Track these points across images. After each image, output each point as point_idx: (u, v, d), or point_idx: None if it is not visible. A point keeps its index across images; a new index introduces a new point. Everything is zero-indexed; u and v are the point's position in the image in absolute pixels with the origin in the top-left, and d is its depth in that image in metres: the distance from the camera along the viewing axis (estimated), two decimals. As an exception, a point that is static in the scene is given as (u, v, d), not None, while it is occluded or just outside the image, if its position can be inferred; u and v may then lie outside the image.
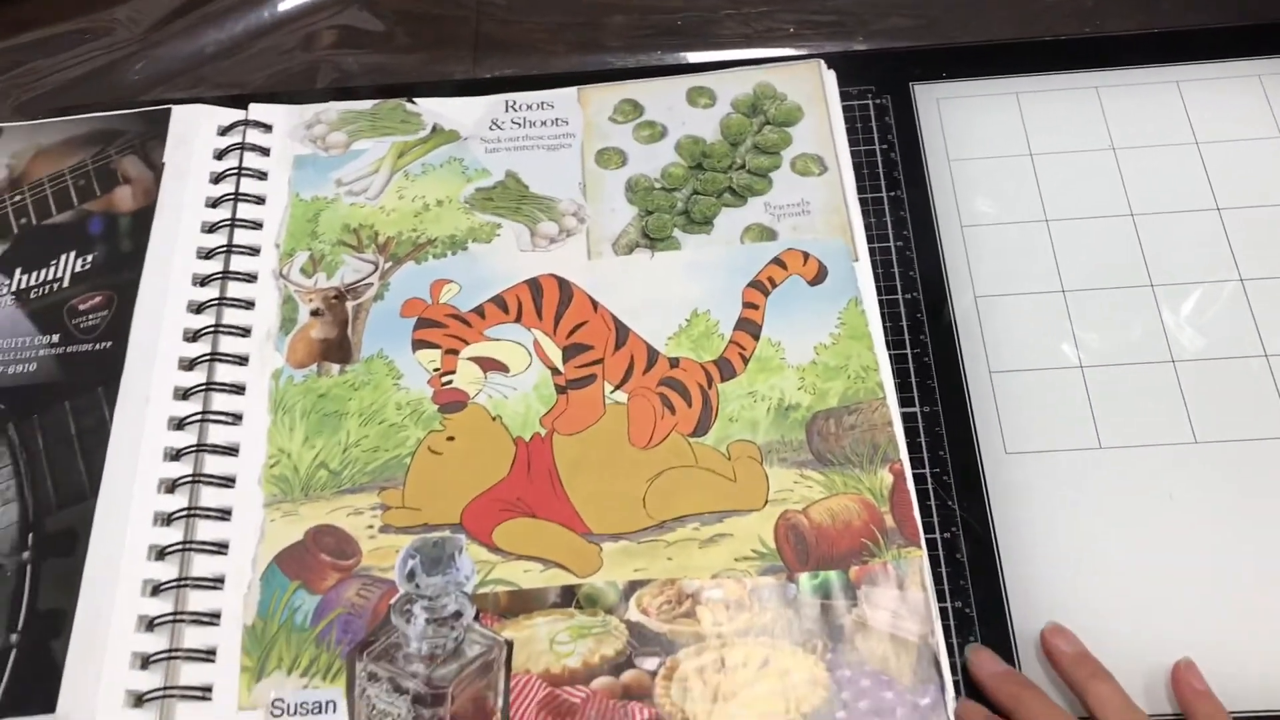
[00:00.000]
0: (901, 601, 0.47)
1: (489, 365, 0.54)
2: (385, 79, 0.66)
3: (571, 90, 0.62)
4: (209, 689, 0.46)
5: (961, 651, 0.48)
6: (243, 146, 0.60)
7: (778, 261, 0.56)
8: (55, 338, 0.55)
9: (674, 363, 0.53)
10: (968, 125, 0.62)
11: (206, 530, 0.50)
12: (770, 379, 0.53)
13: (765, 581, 0.48)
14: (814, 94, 0.61)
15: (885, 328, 0.54)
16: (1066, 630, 0.48)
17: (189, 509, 0.50)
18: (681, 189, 0.59)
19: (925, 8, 0.66)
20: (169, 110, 0.61)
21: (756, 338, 0.54)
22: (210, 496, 0.50)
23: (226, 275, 0.56)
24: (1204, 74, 0.62)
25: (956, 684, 0.46)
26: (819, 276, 0.55)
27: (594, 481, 0.51)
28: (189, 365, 0.54)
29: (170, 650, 0.47)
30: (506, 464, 0.51)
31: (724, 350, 0.54)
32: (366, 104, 0.62)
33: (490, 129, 0.61)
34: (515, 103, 0.62)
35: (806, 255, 0.56)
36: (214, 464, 0.51)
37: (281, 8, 0.69)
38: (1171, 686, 0.47)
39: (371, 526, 0.50)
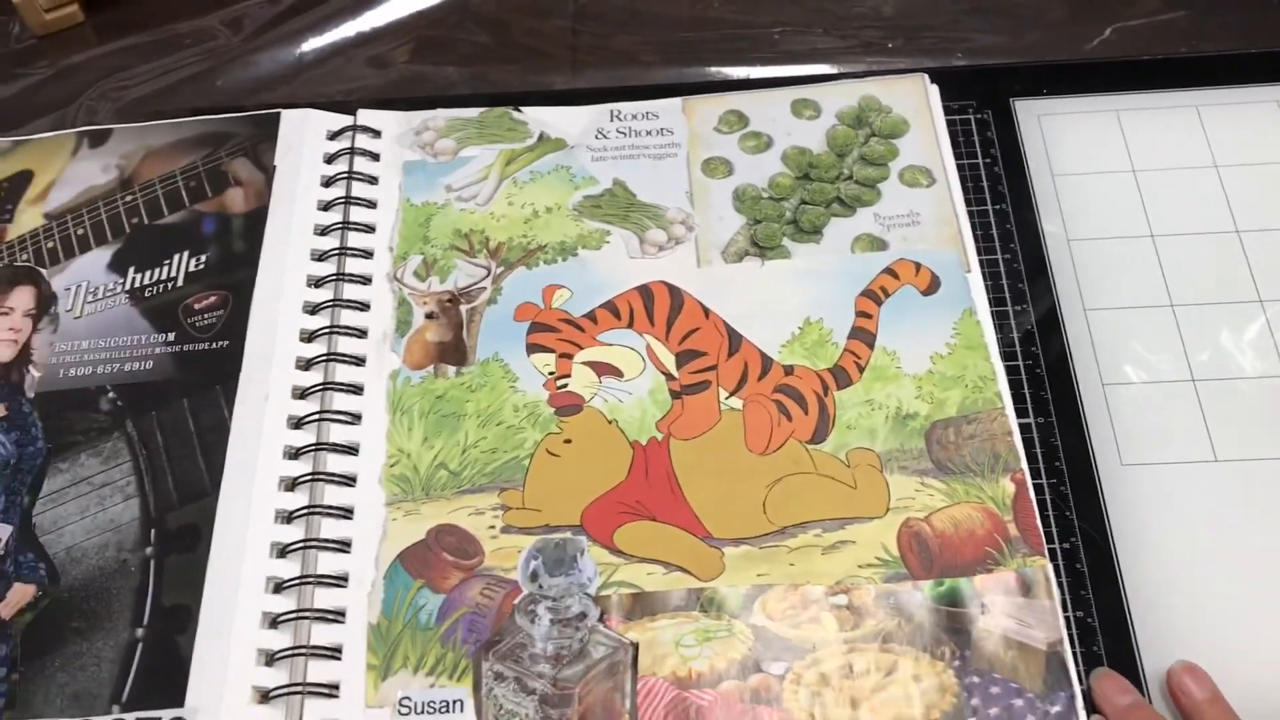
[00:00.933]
0: (1028, 610, 0.47)
1: (603, 370, 0.54)
2: (484, 89, 0.66)
3: (676, 101, 0.63)
4: (336, 686, 0.46)
5: (1086, 662, 0.47)
6: (352, 151, 0.60)
7: (890, 271, 0.56)
8: (171, 336, 0.55)
9: (789, 370, 0.54)
10: (1069, 141, 0.62)
11: (329, 528, 0.50)
12: (887, 387, 0.53)
13: (890, 588, 0.48)
14: (919, 107, 0.61)
15: (997, 339, 0.55)
16: (1198, 670, 0.47)
17: (310, 507, 0.50)
18: (789, 199, 0.59)
19: (1022, 26, 0.67)
20: (278, 114, 0.62)
21: (871, 346, 0.54)
22: (332, 495, 0.51)
23: (341, 277, 0.56)
24: (1304, 93, 0.63)
25: (1084, 694, 0.46)
26: (932, 287, 0.55)
27: (713, 486, 0.51)
28: (306, 365, 0.54)
29: (295, 647, 0.47)
30: (624, 467, 0.51)
31: (839, 358, 0.54)
32: (473, 111, 0.63)
33: (596, 138, 0.62)
34: (620, 113, 0.63)
35: (919, 266, 0.56)
36: (335, 463, 0.51)
37: (381, 17, 0.70)
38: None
39: (493, 527, 0.50)
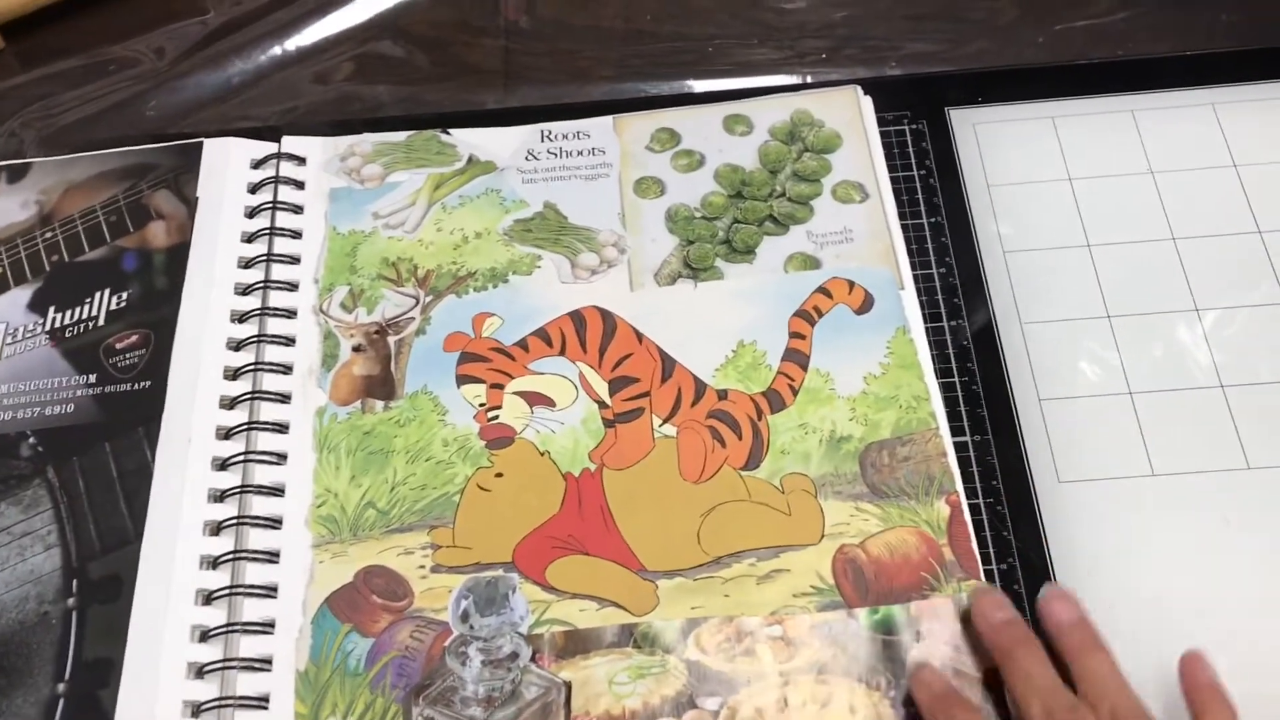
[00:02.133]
0: (964, 636, 0.47)
1: (535, 399, 0.53)
2: (416, 109, 0.65)
3: (607, 119, 0.62)
4: (263, 737, 0.46)
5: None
6: (277, 180, 0.59)
7: (823, 290, 0.55)
8: (92, 377, 0.54)
9: (722, 394, 0.53)
10: (1005, 150, 0.61)
11: (255, 574, 0.49)
12: (821, 410, 0.52)
13: (825, 618, 0.47)
14: (852, 120, 0.61)
15: (932, 356, 0.54)
16: (1067, 594, 0.46)
17: (235, 552, 0.49)
18: (722, 218, 0.58)
19: (957, 32, 0.66)
20: (201, 143, 0.61)
21: (805, 368, 0.53)
22: (257, 539, 0.50)
23: (265, 312, 0.55)
24: (1239, 96, 0.62)
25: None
26: (865, 305, 0.55)
27: (647, 517, 0.50)
28: (230, 404, 0.53)
29: (221, 699, 0.46)
30: (557, 500, 0.51)
31: (773, 381, 0.53)
32: (400, 135, 0.62)
33: (526, 159, 0.61)
34: (551, 132, 0.62)
35: (852, 284, 0.55)
36: (260, 505, 0.50)
37: (308, 39, 0.69)
38: (1180, 680, 0.45)
39: (423, 566, 0.49)
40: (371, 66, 0.68)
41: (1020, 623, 0.46)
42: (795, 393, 0.53)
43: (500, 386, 0.54)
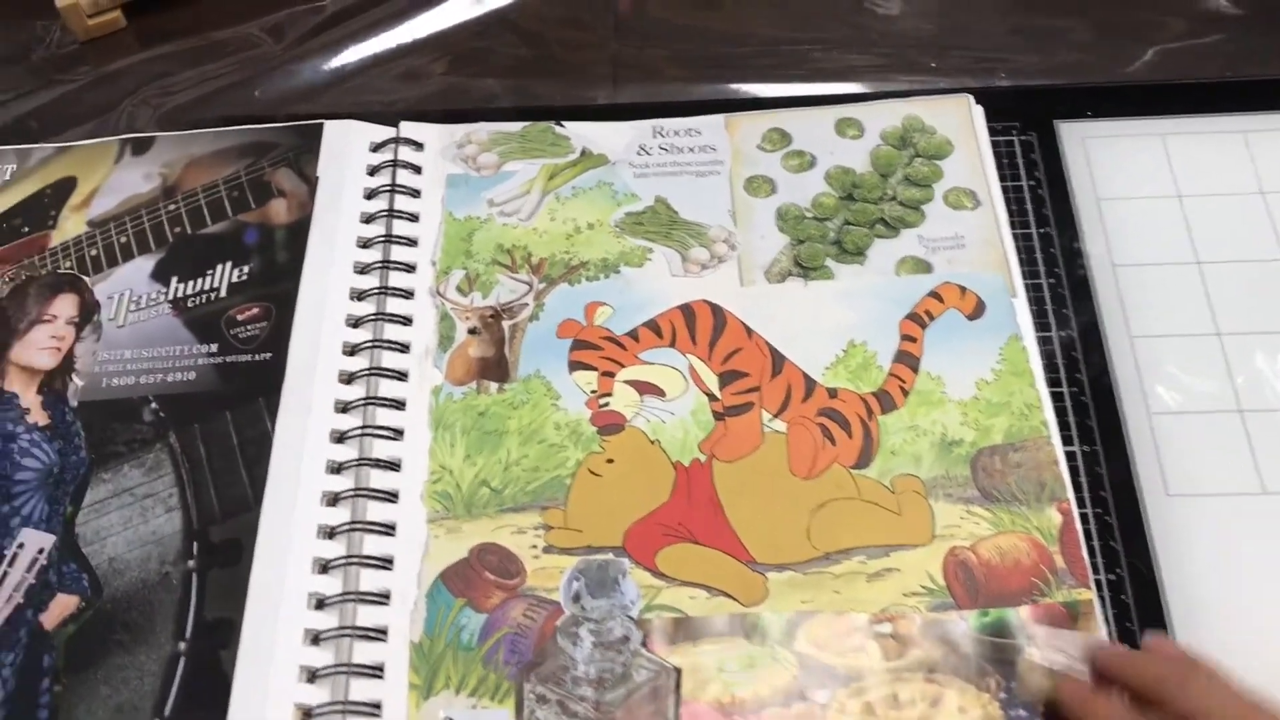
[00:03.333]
0: (1074, 643, 0.47)
1: (645, 389, 0.54)
2: (526, 102, 0.66)
3: (718, 118, 0.63)
4: (378, 705, 0.46)
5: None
6: (395, 163, 0.60)
7: (934, 295, 0.56)
8: (214, 347, 0.55)
9: (832, 393, 0.53)
10: (1114, 165, 0.62)
11: (371, 545, 0.50)
12: (932, 413, 0.52)
13: (935, 617, 0.47)
14: (963, 128, 0.61)
15: (1041, 365, 0.54)
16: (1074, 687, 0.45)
17: (352, 523, 0.50)
18: (833, 219, 0.59)
19: (1062, 48, 0.67)
20: (321, 125, 0.62)
21: (916, 371, 0.54)
22: (374, 511, 0.50)
23: (384, 291, 0.56)
24: (1353, 121, 0.62)
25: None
26: (977, 311, 0.55)
27: (756, 510, 0.51)
28: (348, 379, 0.54)
29: (337, 665, 0.47)
30: (667, 488, 0.51)
31: (883, 382, 0.53)
32: (516, 126, 0.63)
33: (638, 154, 0.61)
34: (663, 129, 0.62)
35: (964, 289, 0.56)
36: (377, 478, 0.51)
37: (422, 29, 0.70)
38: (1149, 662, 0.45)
39: (535, 546, 0.50)
40: (481, 60, 0.69)
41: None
42: (906, 394, 0.53)
43: (611, 374, 0.54)
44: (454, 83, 0.68)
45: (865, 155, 0.61)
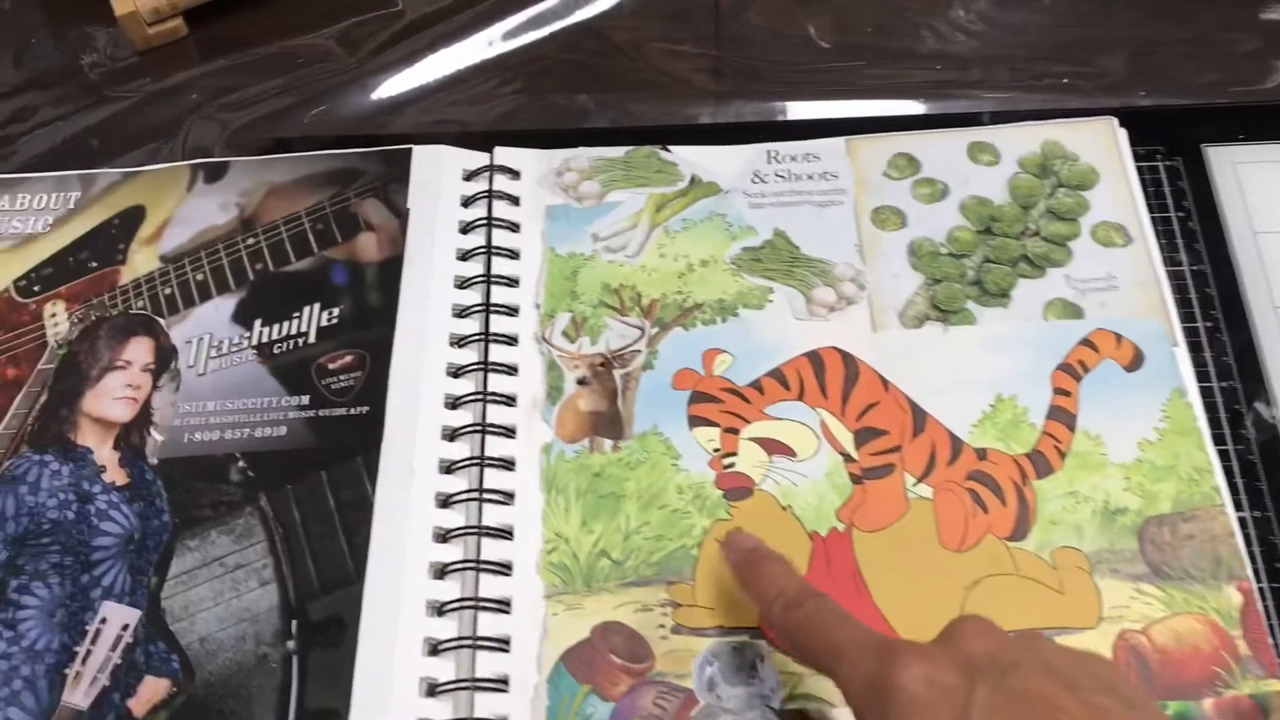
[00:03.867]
0: (1264, 741, 0.43)
1: (774, 448, 0.50)
2: (623, 120, 0.61)
3: (839, 141, 0.58)
4: (501, 807, 0.42)
5: (1323, 797, 0.43)
6: (490, 194, 0.56)
7: (1087, 343, 0.51)
8: (305, 399, 0.51)
9: (981, 454, 0.49)
10: (1271, 194, 0.56)
11: (486, 624, 0.46)
12: (1092, 477, 0.48)
13: (1109, 711, 0.43)
14: (1108, 155, 0.56)
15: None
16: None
17: (463, 599, 0.46)
18: (971, 255, 0.54)
19: (1215, 62, 0.61)
20: (410, 150, 0.57)
21: (1072, 429, 0.49)
22: (487, 585, 0.46)
23: (486, 337, 0.52)
24: None
25: (1328, 837, 0.42)
26: (1135, 361, 0.50)
27: (902, 585, 0.46)
28: (452, 435, 0.50)
29: (455, 760, 0.43)
30: (803, 561, 0.47)
31: (1037, 442, 0.49)
32: (618, 151, 0.58)
33: (753, 181, 0.57)
34: (778, 153, 0.58)
35: (1119, 337, 0.51)
36: (489, 548, 0.47)
37: (507, 39, 0.65)
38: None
39: (662, 625, 0.46)
40: (574, 72, 0.64)
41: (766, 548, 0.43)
42: (1063, 456, 0.49)
43: (735, 431, 0.50)
44: (543, 99, 0.63)
45: (1003, 184, 0.56)
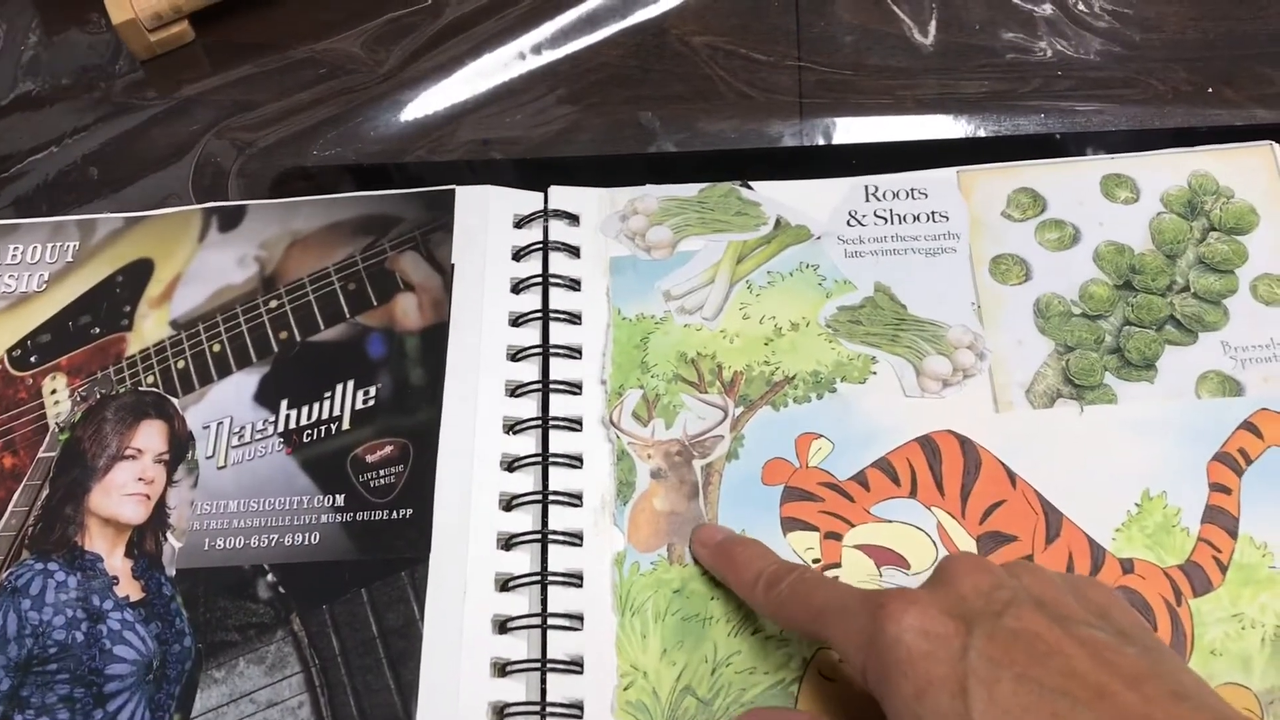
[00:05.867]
0: None
1: (883, 557, 0.43)
2: (693, 142, 0.53)
3: (949, 173, 0.50)
4: None
5: None
6: (546, 245, 0.48)
7: (1249, 426, 0.43)
8: (340, 499, 0.44)
9: (1127, 566, 0.42)
10: None
11: (555, 780, 0.40)
12: (1259, 595, 0.41)
13: None
14: (1269, 189, 0.48)
15: (1392, 521, 0.42)
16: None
17: (528, 748, 0.40)
18: (1108, 316, 0.46)
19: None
20: (453, 192, 0.50)
21: (1234, 535, 0.42)
22: (555, 733, 0.40)
23: (546, 423, 0.45)
24: None
25: None
26: (1311, 453, 0.43)
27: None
28: (507, 544, 0.43)
29: None
30: (921, 698, 0.40)
31: (1192, 551, 0.42)
32: (691, 189, 0.50)
33: (849, 224, 0.49)
34: (877, 189, 0.49)
35: (1290, 421, 0.43)
36: (556, 686, 0.41)
37: (558, 45, 0.57)
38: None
39: (760, 780, 0.39)
40: (635, 84, 0.56)
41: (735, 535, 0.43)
42: (1223, 569, 0.41)
43: (838, 536, 0.43)
44: (600, 114, 0.55)
45: (1143, 227, 0.48)
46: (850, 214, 0.49)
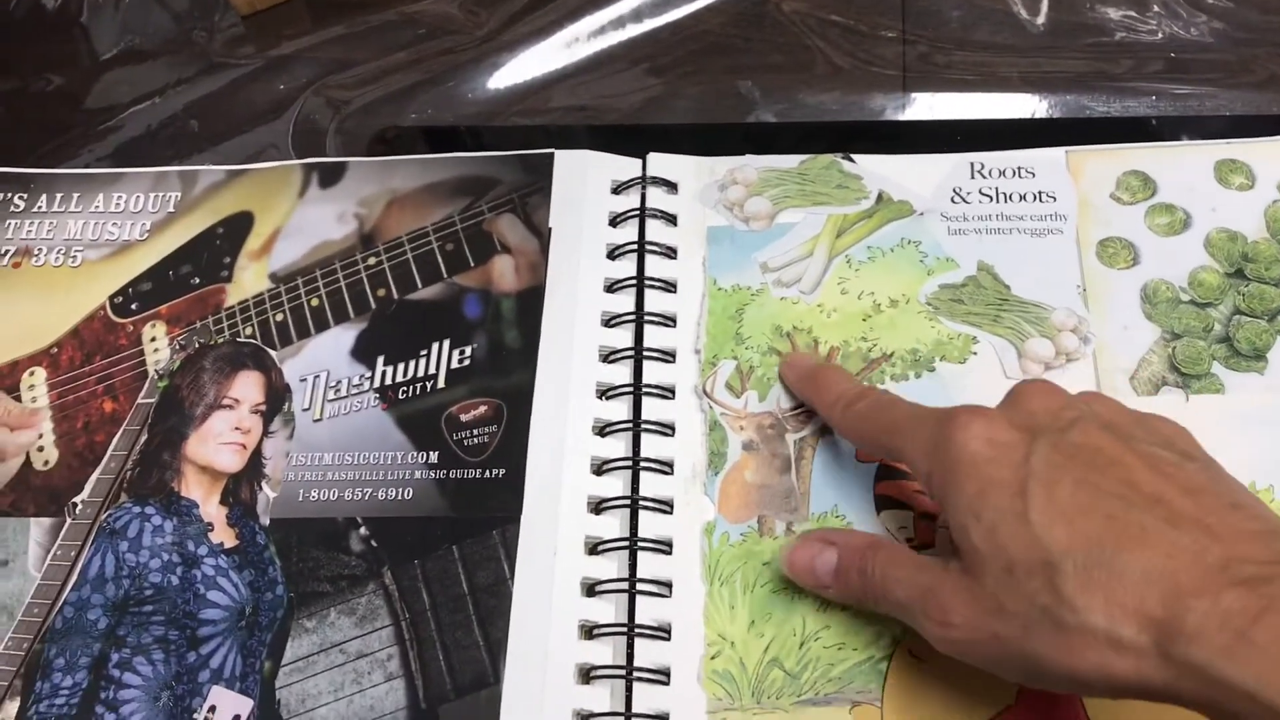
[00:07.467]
0: None
1: (978, 538, 0.42)
2: (793, 113, 0.53)
3: (1057, 153, 0.49)
4: None
5: None
6: (643, 212, 0.48)
7: (1366, 425, 0.42)
8: (433, 456, 0.44)
9: (1231, 560, 0.41)
10: None
11: (642, 745, 0.40)
12: (1370, 598, 0.40)
13: None
14: (1394, 180, 0.46)
15: None
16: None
17: (613, 714, 0.40)
18: (1218, 304, 0.45)
19: None
20: (551, 156, 0.50)
21: (1346, 535, 0.41)
22: (641, 697, 0.40)
23: (638, 390, 0.45)
24: None
25: None
26: None
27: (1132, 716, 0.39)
28: (598, 507, 0.43)
29: None
30: (1013, 685, 0.40)
31: (1302, 549, 0.41)
32: (792, 160, 0.49)
33: (953, 201, 0.48)
34: (983, 166, 0.49)
35: None
36: (643, 651, 0.41)
37: (658, 13, 0.56)
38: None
39: (846, 757, 0.39)
40: (734, 53, 0.55)
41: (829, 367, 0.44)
42: (1334, 569, 0.40)
43: (931, 517, 0.42)
44: (699, 83, 0.54)
45: (1258, 215, 0.46)
46: (955, 190, 0.48)
